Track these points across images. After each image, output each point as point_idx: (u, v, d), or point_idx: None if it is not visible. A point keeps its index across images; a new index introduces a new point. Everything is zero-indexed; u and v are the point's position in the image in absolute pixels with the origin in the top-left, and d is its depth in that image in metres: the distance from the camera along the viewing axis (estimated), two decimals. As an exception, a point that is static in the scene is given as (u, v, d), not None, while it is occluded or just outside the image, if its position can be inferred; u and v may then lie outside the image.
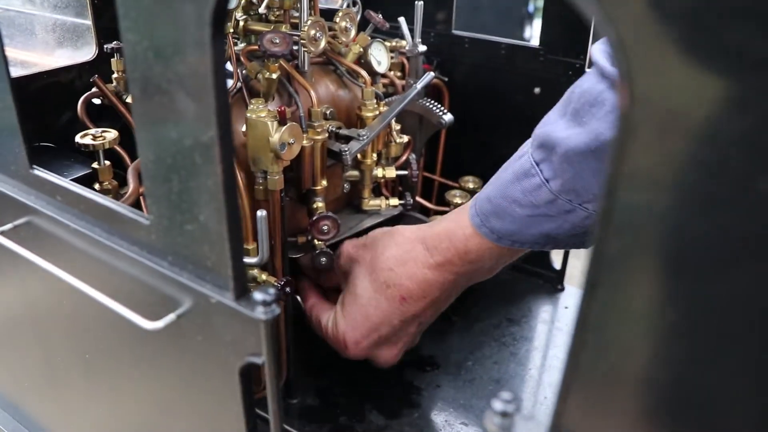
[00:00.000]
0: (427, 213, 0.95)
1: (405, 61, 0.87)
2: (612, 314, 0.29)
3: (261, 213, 0.58)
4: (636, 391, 0.30)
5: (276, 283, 0.66)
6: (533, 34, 1.89)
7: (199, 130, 0.41)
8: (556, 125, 0.58)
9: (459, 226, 0.66)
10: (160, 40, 0.40)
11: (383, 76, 0.81)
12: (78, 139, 0.62)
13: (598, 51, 0.55)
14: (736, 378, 0.27)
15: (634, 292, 0.28)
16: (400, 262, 0.68)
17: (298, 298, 0.77)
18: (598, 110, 0.53)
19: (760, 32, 0.22)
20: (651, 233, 0.26)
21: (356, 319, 0.70)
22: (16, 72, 0.73)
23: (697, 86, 0.23)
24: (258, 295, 0.43)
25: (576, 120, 0.55)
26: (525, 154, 0.61)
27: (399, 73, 0.88)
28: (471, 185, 0.96)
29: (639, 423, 0.30)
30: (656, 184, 0.25)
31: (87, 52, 0.79)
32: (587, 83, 0.55)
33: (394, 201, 0.81)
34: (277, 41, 0.64)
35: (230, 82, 0.67)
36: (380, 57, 0.79)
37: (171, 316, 0.49)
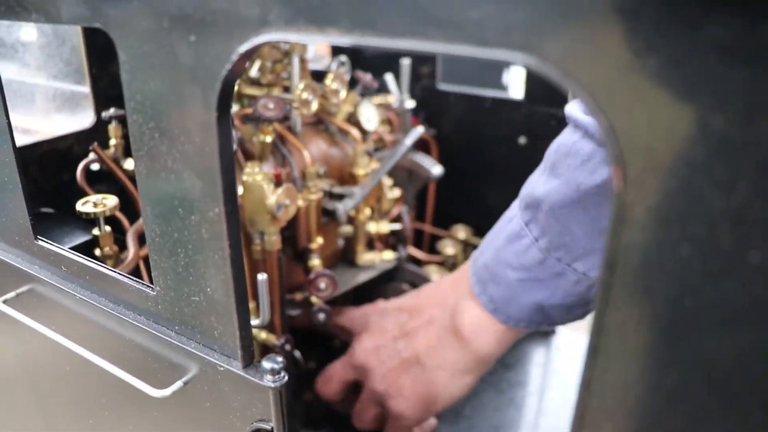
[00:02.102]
0: (419, 264, 0.96)
1: (393, 117, 0.89)
2: (613, 379, 0.30)
3: (262, 277, 0.59)
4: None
5: (276, 341, 0.67)
6: (510, 79, 1.98)
7: (206, 207, 0.42)
8: (536, 183, 0.59)
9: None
10: (166, 121, 0.41)
11: (373, 132, 0.83)
12: (79, 206, 0.63)
13: (570, 106, 0.55)
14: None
15: (634, 358, 0.29)
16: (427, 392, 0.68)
17: (297, 353, 0.78)
18: (573, 160, 0.54)
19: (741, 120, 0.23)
20: (649, 305, 0.28)
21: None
22: (19, 139, 0.74)
23: (687, 167, 0.25)
24: (266, 364, 0.44)
25: (553, 173, 0.56)
26: (515, 216, 0.62)
27: (388, 127, 0.89)
28: (461, 234, 0.97)
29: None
30: (652, 259, 0.27)
31: (85, 118, 0.81)
32: (563, 137, 0.56)
33: (388, 255, 0.82)
34: (271, 106, 0.65)
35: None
36: (369, 115, 0.81)
37: (178, 384, 0.50)
